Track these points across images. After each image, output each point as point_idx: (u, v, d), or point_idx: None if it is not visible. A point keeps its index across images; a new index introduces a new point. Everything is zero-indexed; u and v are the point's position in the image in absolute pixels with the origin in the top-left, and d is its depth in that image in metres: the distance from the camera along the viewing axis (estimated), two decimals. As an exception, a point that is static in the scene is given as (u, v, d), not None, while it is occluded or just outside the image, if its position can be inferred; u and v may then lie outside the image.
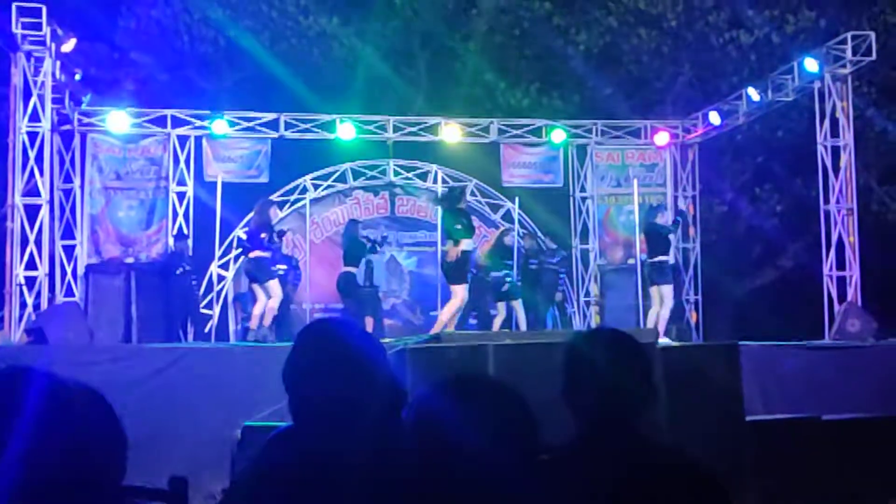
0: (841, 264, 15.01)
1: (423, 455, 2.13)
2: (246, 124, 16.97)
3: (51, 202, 14.41)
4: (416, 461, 2.15)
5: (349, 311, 15.83)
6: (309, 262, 17.20)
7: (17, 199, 13.52)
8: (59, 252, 15.58)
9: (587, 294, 18.40)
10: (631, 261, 17.10)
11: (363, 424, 2.19)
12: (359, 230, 16.26)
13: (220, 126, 16.63)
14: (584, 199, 18.63)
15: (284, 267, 15.61)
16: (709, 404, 7.32)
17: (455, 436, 2.07)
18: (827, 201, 15.19)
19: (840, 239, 14.99)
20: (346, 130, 17.00)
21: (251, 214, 14.86)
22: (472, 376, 2.28)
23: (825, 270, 15.09)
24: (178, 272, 15.41)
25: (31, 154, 13.60)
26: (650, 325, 14.00)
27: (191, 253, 15.91)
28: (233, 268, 17.09)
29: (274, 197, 17.16)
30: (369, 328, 14.48)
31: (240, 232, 16.07)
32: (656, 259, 14.69)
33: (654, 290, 14.74)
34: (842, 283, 14.96)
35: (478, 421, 2.10)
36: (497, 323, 15.91)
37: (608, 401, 2.71)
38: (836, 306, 14.70)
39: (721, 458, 6.61)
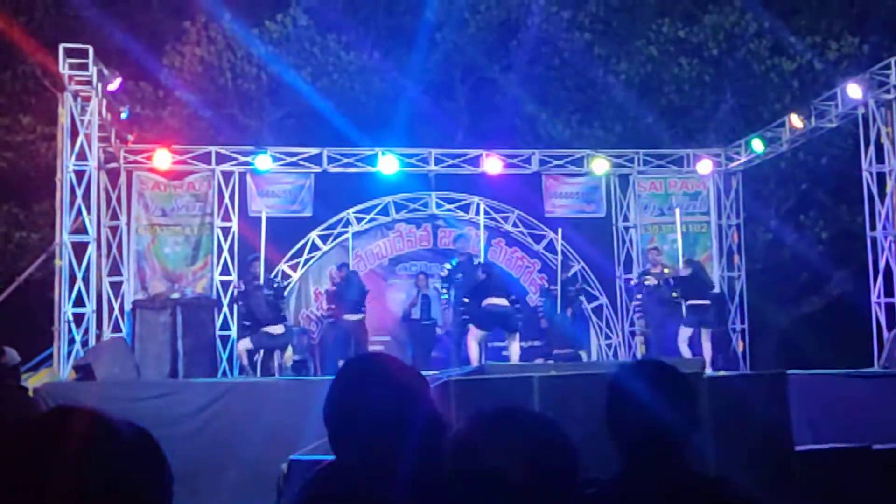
0: (889, 291, 14.83)
1: (463, 488, 2.13)
2: (289, 159, 17.09)
3: (98, 239, 14.58)
4: (457, 495, 2.14)
5: (395, 345, 15.83)
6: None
7: (65, 237, 13.69)
8: (107, 288, 15.74)
9: (632, 324, 18.28)
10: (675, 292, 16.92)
11: (404, 458, 2.19)
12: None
13: (263, 161, 16.75)
14: (626, 228, 18.53)
15: None
16: (757, 434, 7.25)
17: (496, 469, 2.07)
18: (873, 228, 15.05)
19: (888, 265, 14.82)
20: (388, 164, 17.06)
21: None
22: (513, 409, 2.26)
23: (873, 297, 14.93)
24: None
25: (79, 192, 13.77)
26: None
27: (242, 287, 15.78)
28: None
29: (318, 231, 17.31)
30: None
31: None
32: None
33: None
34: (890, 311, 14.78)
35: (519, 454, 2.09)
36: None
37: (653, 433, 2.69)
38: (885, 334, 14.52)
39: (770, 489, 6.55)
